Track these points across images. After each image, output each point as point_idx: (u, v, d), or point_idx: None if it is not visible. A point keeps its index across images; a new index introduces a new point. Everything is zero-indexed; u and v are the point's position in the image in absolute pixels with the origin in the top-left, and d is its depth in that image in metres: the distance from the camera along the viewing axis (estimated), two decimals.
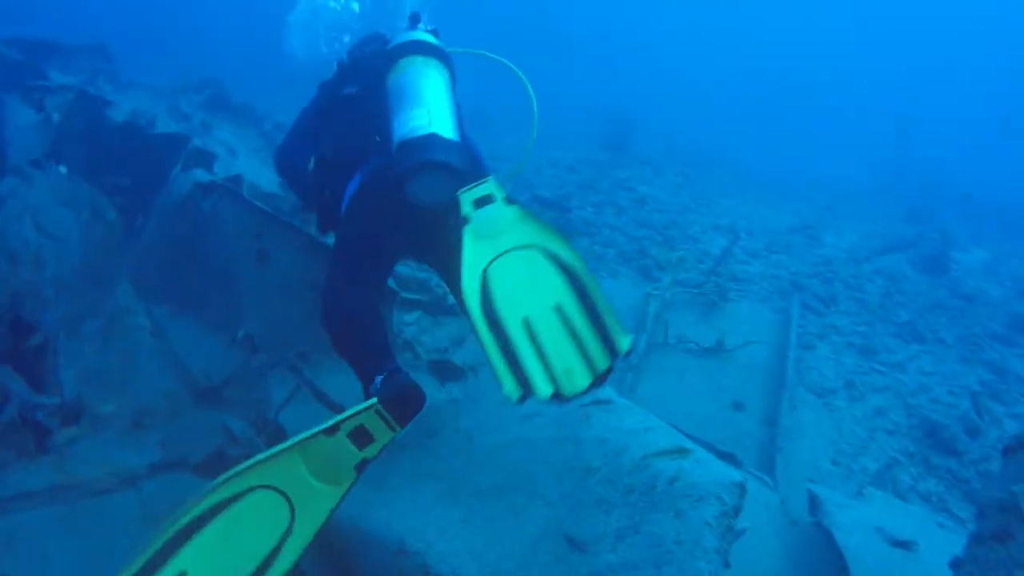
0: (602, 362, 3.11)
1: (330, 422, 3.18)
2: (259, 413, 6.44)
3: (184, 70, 15.68)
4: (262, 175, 10.30)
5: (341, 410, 6.19)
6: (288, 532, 2.99)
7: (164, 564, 2.85)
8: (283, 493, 3.03)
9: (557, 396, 3.04)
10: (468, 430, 4.76)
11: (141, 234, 8.60)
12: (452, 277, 4.78)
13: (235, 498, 2.98)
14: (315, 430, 3.16)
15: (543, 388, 3.03)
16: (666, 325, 8.45)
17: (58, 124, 8.48)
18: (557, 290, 3.28)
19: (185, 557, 2.90)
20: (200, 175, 7.77)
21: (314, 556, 5.24)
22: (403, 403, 3.25)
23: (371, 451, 3.26)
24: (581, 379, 3.09)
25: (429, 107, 4.09)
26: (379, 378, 3.48)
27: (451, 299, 9.14)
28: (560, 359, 3.13)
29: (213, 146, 10.28)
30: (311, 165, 5.40)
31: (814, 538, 5.11)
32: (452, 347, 8.45)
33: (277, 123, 14.46)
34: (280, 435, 6.19)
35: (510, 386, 3.05)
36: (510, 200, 3.61)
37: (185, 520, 2.95)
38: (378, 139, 4.56)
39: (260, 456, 3.05)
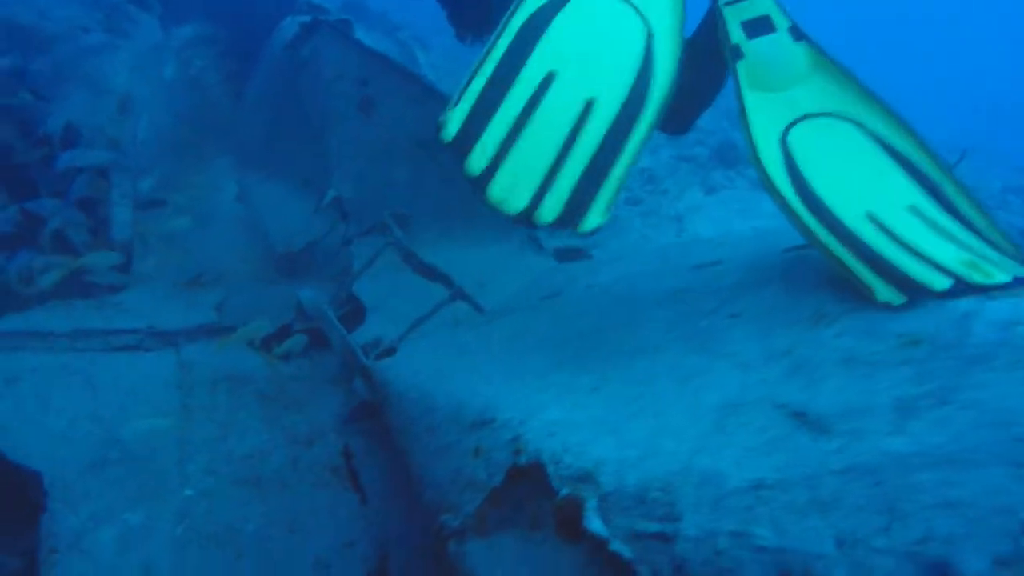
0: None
1: None
2: (338, 285, 5.17)
3: None
4: None
5: (434, 274, 4.88)
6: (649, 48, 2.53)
7: (521, 63, 2.41)
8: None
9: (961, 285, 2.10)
10: (607, 284, 3.21)
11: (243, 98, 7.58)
12: None
13: None
14: None
15: (938, 281, 2.13)
16: None
17: None
18: (903, 188, 2.44)
19: (543, 58, 2.45)
20: (305, 18, 6.57)
21: (366, 446, 3.89)
22: None
23: None
24: (993, 270, 2.13)
25: None
26: None
27: None
28: (944, 254, 2.23)
29: None
30: None
31: None
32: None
33: (415, 35, 13.35)
34: (356, 305, 4.89)
35: (884, 291, 2.18)
36: (797, 32, 2.70)
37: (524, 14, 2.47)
38: None
39: None
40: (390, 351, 3.99)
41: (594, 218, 2.35)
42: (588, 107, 2.39)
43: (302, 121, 6.26)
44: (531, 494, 1.89)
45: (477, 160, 2.32)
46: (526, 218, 2.33)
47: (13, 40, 6.44)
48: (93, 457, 3.78)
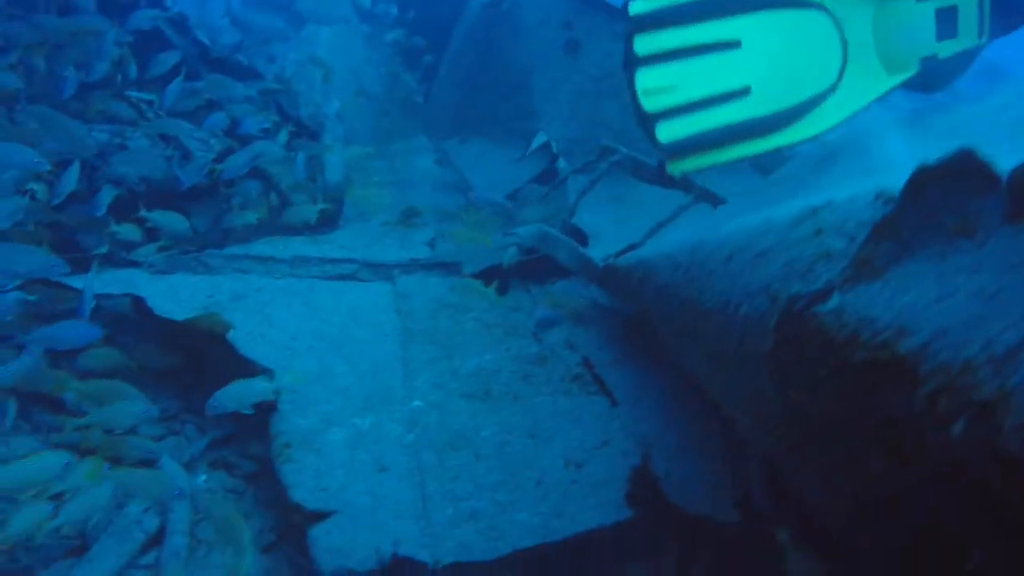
0: None
1: None
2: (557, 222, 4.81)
3: None
4: None
5: (672, 179, 4.38)
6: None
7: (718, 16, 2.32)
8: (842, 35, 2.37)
9: None
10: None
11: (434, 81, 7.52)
12: None
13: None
14: None
15: None
16: None
17: None
18: None
19: (739, 26, 2.32)
20: None
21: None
22: None
23: None
24: None
25: None
26: None
27: None
28: None
29: None
30: None
31: None
32: None
33: None
34: (579, 235, 4.50)
35: None
36: None
37: None
38: None
39: None
40: (630, 248, 3.54)
41: (675, 168, 2.74)
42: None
43: (503, 73, 6.05)
44: (950, 200, 1.35)
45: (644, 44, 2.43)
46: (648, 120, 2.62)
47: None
48: (318, 368, 3.56)
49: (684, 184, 3.99)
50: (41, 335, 3.08)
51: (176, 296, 3.78)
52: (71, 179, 3.88)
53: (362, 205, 5.35)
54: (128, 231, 4.03)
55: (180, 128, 4.51)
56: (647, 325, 3.43)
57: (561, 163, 5.18)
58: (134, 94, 4.34)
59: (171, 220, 4.13)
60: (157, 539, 2.79)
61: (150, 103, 4.35)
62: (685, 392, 3.18)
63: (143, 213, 4.09)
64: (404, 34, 7.99)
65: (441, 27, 7.54)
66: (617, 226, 4.47)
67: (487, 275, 4.49)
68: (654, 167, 4.16)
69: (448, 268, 4.56)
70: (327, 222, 4.86)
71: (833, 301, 1.49)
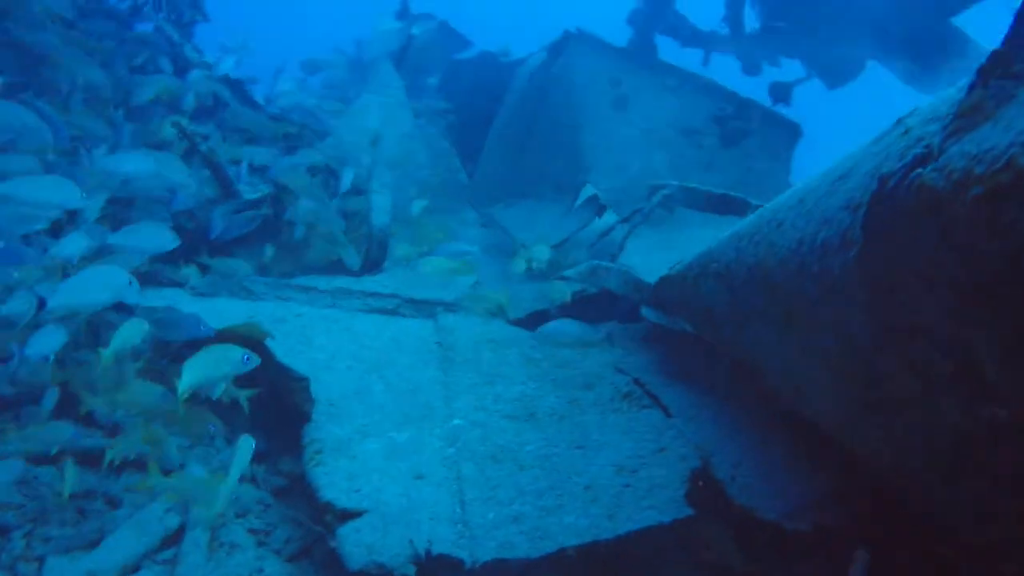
0: None
1: None
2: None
3: None
4: None
5: (728, 202, 4.26)
6: None
7: None
8: None
9: None
10: None
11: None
12: None
13: None
14: None
15: None
16: None
17: (416, 39, 8.05)
18: None
19: None
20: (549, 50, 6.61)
21: None
22: None
23: None
24: None
25: None
26: None
27: None
28: None
29: None
30: None
31: None
32: None
33: None
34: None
35: None
36: None
37: None
38: None
39: None
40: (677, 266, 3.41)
41: None
42: None
43: (553, 133, 6.11)
44: None
45: None
46: None
47: None
48: (355, 386, 3.42)
49: (741, 206, 3.89)
50: (155, 318, 3.01)
51: (218, 316, 3.70)
52: (95, 208, 3.90)
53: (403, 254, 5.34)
54: (192, 273, 4.10)
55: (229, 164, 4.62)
56: (700, 340, 3.26)
57: (610, 214, 5.13)
58: (190, 127, 4.44)
59: (234, 268, 4.19)
60: (176, 537, 2.60)
61: (205, 137, 4.44)
62: (744, 407, 2.97)
63: (206, 260, 4.15)
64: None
65: (480, 109, 7.73)
66: (667, 267, 4.36)
67: (533, 319, 4.39)
68: (706, 193, 4.09)
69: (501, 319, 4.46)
70: (371, 267, 4.82)
71: (936, 158, 1.34)
